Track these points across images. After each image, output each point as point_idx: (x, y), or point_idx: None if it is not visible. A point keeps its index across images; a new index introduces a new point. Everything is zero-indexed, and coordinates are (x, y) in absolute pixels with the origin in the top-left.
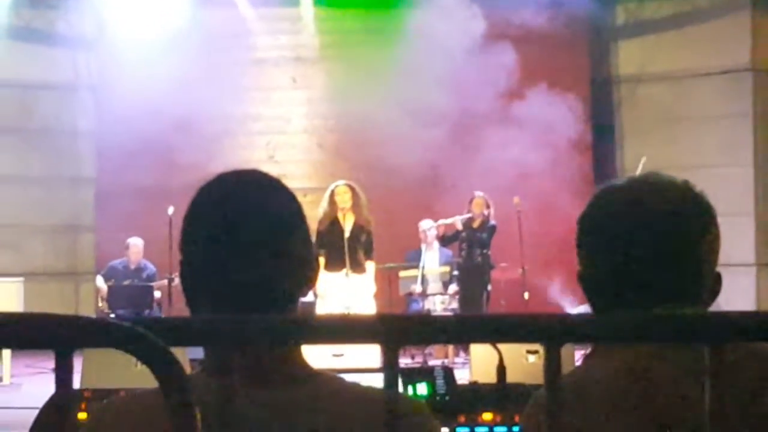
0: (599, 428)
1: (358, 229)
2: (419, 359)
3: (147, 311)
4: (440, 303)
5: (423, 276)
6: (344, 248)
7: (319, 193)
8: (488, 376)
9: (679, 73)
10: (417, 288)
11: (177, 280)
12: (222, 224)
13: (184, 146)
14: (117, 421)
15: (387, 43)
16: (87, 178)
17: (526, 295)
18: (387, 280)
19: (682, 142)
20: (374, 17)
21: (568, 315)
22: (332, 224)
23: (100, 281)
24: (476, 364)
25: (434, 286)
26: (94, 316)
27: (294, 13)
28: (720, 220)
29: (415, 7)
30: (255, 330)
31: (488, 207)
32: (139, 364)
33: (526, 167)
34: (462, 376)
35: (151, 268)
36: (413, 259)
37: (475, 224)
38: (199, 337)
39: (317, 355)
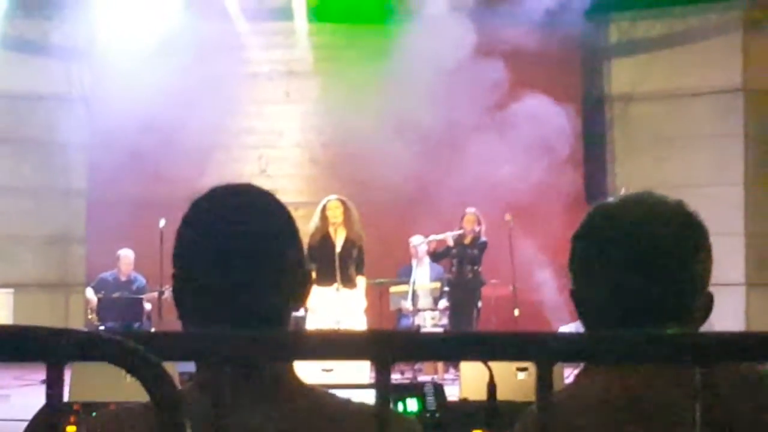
0: None
1: (349, 244)
2: (409, 375)
3: (137, 324)
4: (430, 319)
5: (414, 292)
6: (335, 263)
7: (310, 208)
8: (478, 393)
9: (671, 92)
10: (407, 304)
11: (167, 293)
12: (215, 238)
13: (176, 159)
14: None
15: (380, 58)
16: (78, 190)
17: (517, 312)
18: (378, 296)
19: (673, 160)
20: (367, 32)
21: (560, 334)
22: (323, 239)
23: (90, 293)
24: (466, 381)
25: (425, 301)
26: (83, 328)
27: (288, 28)
28: (710, 239)
29: (409, 23)
30: (247, 345)
31: (480, 223)
32: (128, 377)
33: (518, 184)
34: (452, 393)
35: (141, 280)
36: (404, 275)
37: (467, 240)
38: (191, 352)
39: (306, 370)
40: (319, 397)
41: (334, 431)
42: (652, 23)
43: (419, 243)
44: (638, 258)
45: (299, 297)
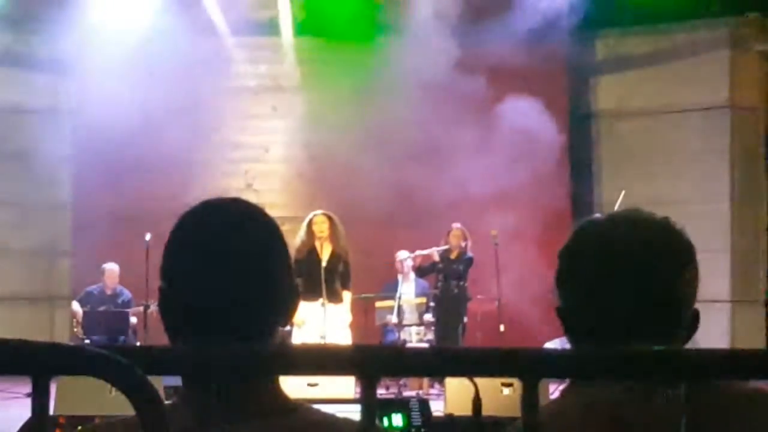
0: None
1: (335, 258)
2: (394, 390)
3: (122, 337)
4: (416, 334)
5: (399, 307)
6: (321, 278)
7: (296, 222)
8: (463, 408)
9: (657, 109)
10: (393, 319)
11: (153, 307)
12: (204, 252)
13: (162, 173)
14: None
15: (366, 73)
16: (64, 203)
17: (502, 328)
18: (363, 311)
19: (659, 177)
20: (354, 48)
21: (546, 350)
22: (309, 253)
23: (75, 306)
24: (451, 396)
25: (410, 317)
26: (69, 341)
27: (274, 43)
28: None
29: (395, 39)
30: (233, 360)
31: (466, 239)
32: (113, 390)
33: (504, 200)
34: (437, 408)
35: (126, 294)
36: (390, 290)
37: (453, 256)
38: (176, 366)
39: (292, 384)
40: (304, 413)
41: None
42: (640, 40)
43: (405, 258)
44: (625, 275)
45: (287, 312)
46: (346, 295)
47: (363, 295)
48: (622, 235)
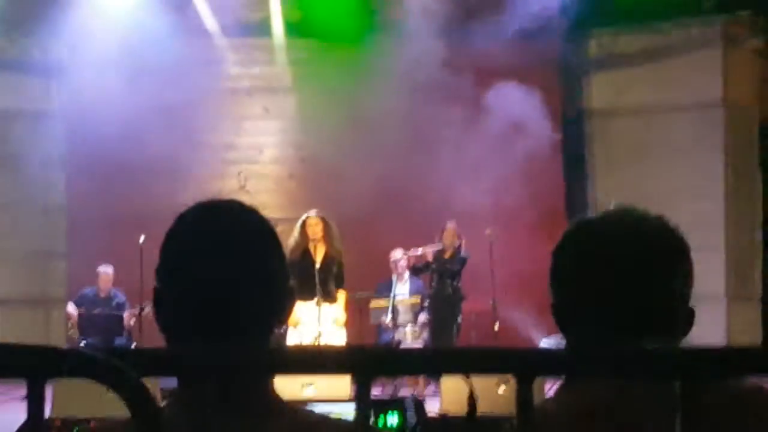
0: None
1: (329, 259)
2: (389, 389)
3: (117, 339)
4: (410, 333)
5: (393, 306)
6: (315, 278)
7: (290, 224)
8: (458, 407)
9: (651, 107)
10: (387, 318)
11: (147, 309)
12: (200, 253)
13: (156, 175)
14: None
15: (358, 74)
16: (58, 205)
17: (497, 326)
18: (357, 310)
19: (653, 175)
20: (346, 49)
21: (541, 348)
22: (303, 255)
23: (71, 307)
24: (447, 396)
25: (405, 316)
26: (64, 343)
27: (267, 44)
28: (691, 253)
29: (387, 40)
30: (228, 361)
31: (460, 238)
32: (109, 393)
33: (498, 198)
34: (432, 408)
35: (120, 296)
36: (384, 290)
37: (447, 255)
38: (171, 367)
39: (287, 384)
40: (297, 414)
41: None
42: (632, 38)
43: (399, 257)
44: (619, 273)
45: (283, 313)
46: (340, 295)
47: (357, 294)
48: (616, 233)
